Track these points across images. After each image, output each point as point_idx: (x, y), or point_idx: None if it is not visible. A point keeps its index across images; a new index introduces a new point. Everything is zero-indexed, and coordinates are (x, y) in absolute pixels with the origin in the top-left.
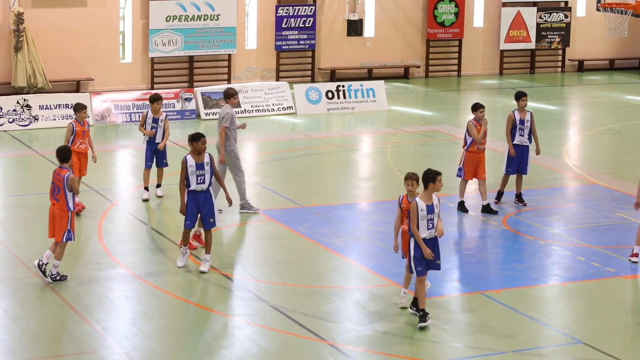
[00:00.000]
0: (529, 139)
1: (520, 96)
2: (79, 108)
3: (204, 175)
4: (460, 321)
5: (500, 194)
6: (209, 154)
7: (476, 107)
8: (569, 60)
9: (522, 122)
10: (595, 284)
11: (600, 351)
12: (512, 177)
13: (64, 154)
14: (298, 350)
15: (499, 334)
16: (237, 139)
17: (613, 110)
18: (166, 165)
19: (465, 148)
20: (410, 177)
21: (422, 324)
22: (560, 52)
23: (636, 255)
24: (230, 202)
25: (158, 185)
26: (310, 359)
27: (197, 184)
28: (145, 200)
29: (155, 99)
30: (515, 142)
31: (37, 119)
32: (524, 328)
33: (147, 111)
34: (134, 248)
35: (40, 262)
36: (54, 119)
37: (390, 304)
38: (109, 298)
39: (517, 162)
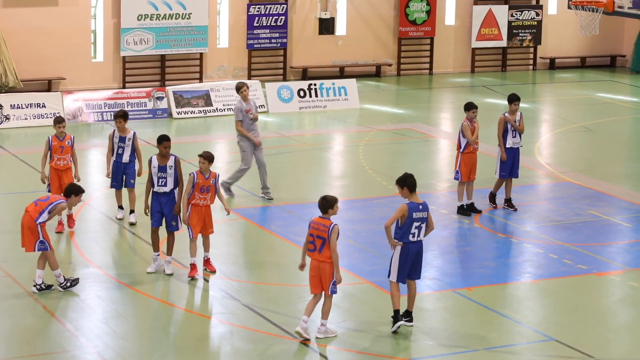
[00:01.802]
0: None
1: (512, 100)
2: (55, 121)
3: (165, 178)
4: (432, 319)
5: (493, 196)
6: (175, 158)
7: (469, 107)
8: (540, 58)
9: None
10: (567, 282)
11: (573, 348)
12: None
13: (66, 190)
14: (271, 349)
15: (472, 332)
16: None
17: (584, 107)
18: (133, 185)
19: (461, 150)
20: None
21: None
22: (531, 50)
23: None
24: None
25: (131, 212)
26: (283, 357)
27: (158, 185)
28: (120, 219)
29: (118, 116)
30: (508, 145)
31: (8, 119)
32: (496, 325)
33: (114, 130)
34: (107, 247)
35: (36, 285)
36: (26, 119)
37: (362, 302)
38: (81, 297)
39: (510, 165)
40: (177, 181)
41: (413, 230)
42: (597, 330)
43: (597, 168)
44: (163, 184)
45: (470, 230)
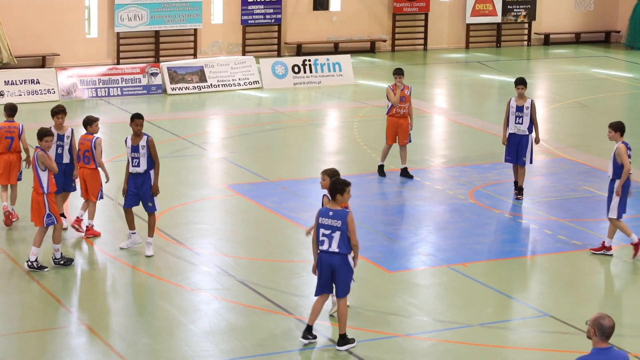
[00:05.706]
0: (530, 127)
1: (516, 83)
2: (44, 135)
3: (138, 158)
4: (427, 295)
5: (516, 184)
6: (147, 137)
7: (394, 73)
8: (535, 33)
9: (520, 109)
10: (561, 257)
11: (567, 324)
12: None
13: (38, 134)
14: (266, 325)
15: (467, 308)
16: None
17: (579, 83)
18: (75, 189)
19: (386, 113)
20: None
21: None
22: (526, 25)
23: (609, 248)
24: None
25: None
26: (277, 333)
27: (132, 166)
28: (64, 229)
29: (56, 112)
30: (510, 130)
31: (2, 95)
32: (491, 301)
33: (51, 127)
34: (101, 224)
35: (29, 262)
36: (20, 95)
37: (357, 278)
38: (77, 274)
39: (515, 151)
40: (152, 162)
41: (321, 237)
42: (591, 306)
43: (591, 144)
44: (136, 164)
45: (465, 206)
